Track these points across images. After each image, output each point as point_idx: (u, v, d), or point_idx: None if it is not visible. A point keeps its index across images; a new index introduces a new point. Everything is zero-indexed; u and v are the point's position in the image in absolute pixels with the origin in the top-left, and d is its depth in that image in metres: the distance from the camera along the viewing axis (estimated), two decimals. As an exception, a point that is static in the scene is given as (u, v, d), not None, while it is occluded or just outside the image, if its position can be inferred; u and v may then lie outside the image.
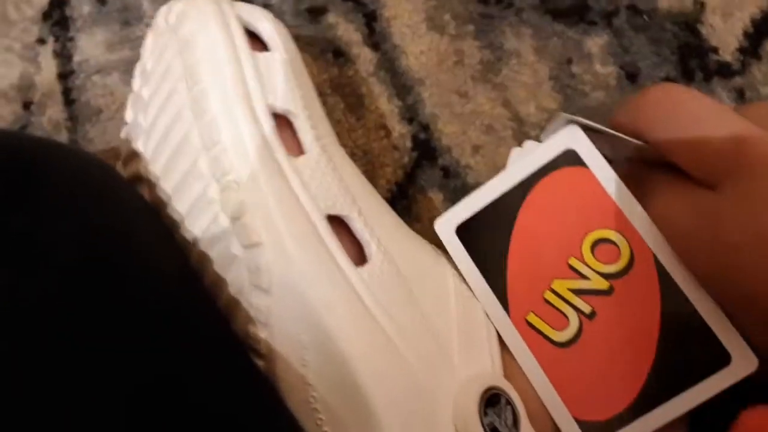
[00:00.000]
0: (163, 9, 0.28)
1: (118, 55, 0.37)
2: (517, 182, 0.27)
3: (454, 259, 0.27)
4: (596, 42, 0.37)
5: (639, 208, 0.24)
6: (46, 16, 0.38)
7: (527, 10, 0.37)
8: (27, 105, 0.37)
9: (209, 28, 0.25)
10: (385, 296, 0.25)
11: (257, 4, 0.38)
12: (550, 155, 0.26)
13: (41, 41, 0.37)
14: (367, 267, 0.24)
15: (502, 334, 0.27)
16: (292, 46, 0.29)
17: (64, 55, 0.37)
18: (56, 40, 0.37)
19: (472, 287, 0.27)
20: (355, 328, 0.24)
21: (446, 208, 0.28)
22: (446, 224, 0.28)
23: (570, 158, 0.26)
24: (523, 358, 0.26)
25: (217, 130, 0.23)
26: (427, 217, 0.35)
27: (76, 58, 0.37)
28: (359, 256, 0.25)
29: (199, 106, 0.24)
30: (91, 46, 0.37)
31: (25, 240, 0.20)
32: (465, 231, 0.27)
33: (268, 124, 0.24)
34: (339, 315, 0.24)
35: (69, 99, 0.36)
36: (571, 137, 0.26)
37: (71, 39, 0.37)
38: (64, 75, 0.37)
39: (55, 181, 0.23)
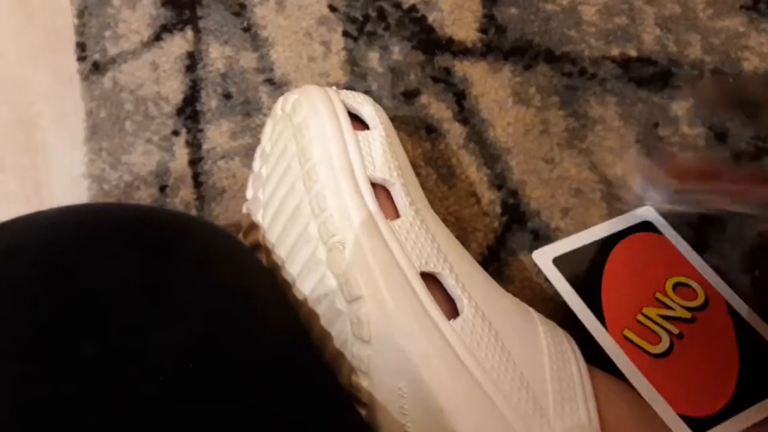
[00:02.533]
0: (281, 99, 0.33)
1: (239, 142, 0.42)
2: (606, 235, 0.32)
3: (553, 282, 0.31)
4: (682, 105, 0.37)
5: (704, 263, 0.31)
6: (180, 111, 0.44)
7: (610, 80, 0.39)
8: (163, 188, 0.42)
9: (319, 113, 0.29)
10: (479, 349, 0.26)
11: (360, 89, 0.42)
12: (632, 222, 0.33)
13: (176, 133, 0.43)
14: (459, 320, 0.26)
15: (603, 346, 0.30)
16: (389, 124, 0.32)
17: (194, 144, 0.43)
18: (188, 131, 0.43)
19: (571, 306, 0.31)
20: (450, 380, 0.25)
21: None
22: (544, 255, 0.32)
23: (648, 227, 0.33)
24: (624, 365, 0.29)
25: (324, 199, 0.27)
26: (518, 279, 0.36)
27: (205, 146, 0.42)
28: (452, 311, 0.27)
29: (309, 179, 0.27)
30: (217, 135, 0.43)
31: (166, 293, 0.24)
32: (559, 263, 0.32)
33: (368, 192, 0.27)
34: (434, 366, 0.25)
35: (198, 182, 0.42)
36: (648, 214, 0.33)
37: (201, 130, 0.43)
38: (194, 161, 0.42)
39: (189, 247, 0.27)
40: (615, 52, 0.39)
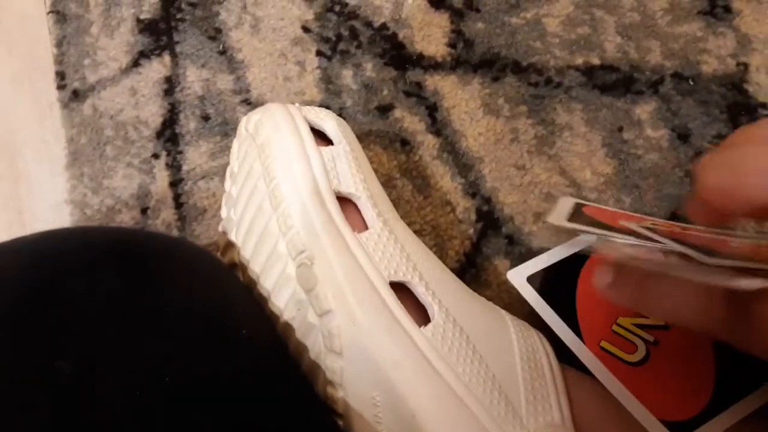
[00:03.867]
0: (244, 119, 0.33)
1: (218, 162, 0.43)
2: (578, 250, 0.33)
3: (528, 300, 0.32)
4: (645, 109, 0.39)
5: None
6: (159, 134, 0.45)
7: (575, 88, 0.40)
8: (144, 210, 0.43)
9: (281, 131, 0.29)
10: (450, 354, 0.27)
11: (335, 106, 0.43)
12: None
13: (156, 156, 0.44)
14: (430, 327, 0.27)
15: (581, 358, 0.30)
16: (354, 138, 0.33)
17: (174, 166, 0.43)
18: (168, 153, 0.44)
19: (548, 321, 0.31)
20: (422, 385, 0.26)
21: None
22: (518, 274, 0.33)
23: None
24: (602, 376, 0.30)
25: (290, 216, 0.28)
26: (495, 283, 0.37)
27: (185, 168, 0.43)
28: (424, 318, 0.28)
29: (275, 198, 0.28)
30: (196, 156, 0.44)
31: (146, 312, 0.24)
32: (533, 280, 0.32)
33: (334, 207, 0.28)
34: (406, 373, 0.26)
35: (178, 203, 0.42)
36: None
37: (180, 152, 0.44)
38: (175, 183, 0.43)
39: (168, 267, 0.27)
40: (579, 60, 0.40)
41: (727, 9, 0.39)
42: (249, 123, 0.31)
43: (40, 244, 0.28)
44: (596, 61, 0.40)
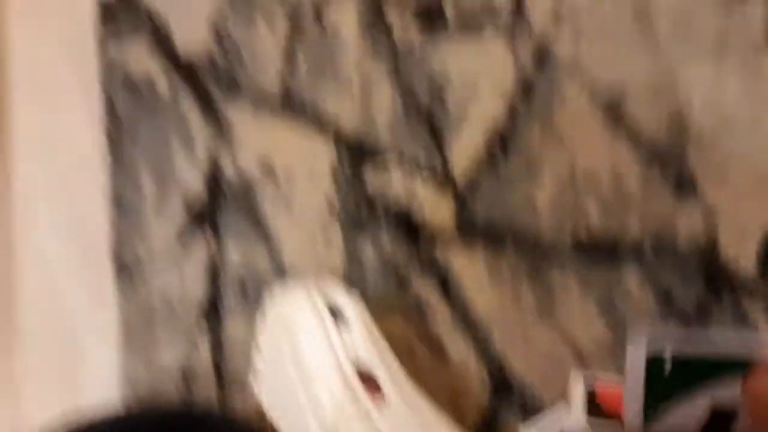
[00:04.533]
0: (269, 297, 0.39)
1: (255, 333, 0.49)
2: None
3: None
4: (631, 277, 0.44)
5: None
6: (202, 309, 0.51)
7: (567, 258, 0.46)
8: (187, 382, 0.48)
9: (303, 312, 0.35)
10: None
11: (358, 278, 0.49)
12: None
13: (199, 330, 0.50)
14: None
15: None
16: (367, 314, 0.39)
17: (216, 339, 0.49)
18: (210, 327, 0.49)
19: None
20: None
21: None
22: None
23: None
24: None
25: (317, 396, 0.32)
26: (510, 444, 0.40)
27: (225, 341, 0.48)
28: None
29: (302, 373, 0.33)
30: (236, 328, 0.49)
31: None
32: None
33: (355, 382, 0.33)
34: None
35: (219, 374, 0.47)
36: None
37: (221, 326, 0.49)
38: (216, 355, 0.48)
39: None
40: (567, 233, 0.46)
41: (693, 185, 0.46)
42: (272, 302, 0.37)
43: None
44: (583, 234, 0.46)
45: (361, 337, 0.35)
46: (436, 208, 0.50)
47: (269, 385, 0.37)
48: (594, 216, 0.46)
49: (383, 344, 0.37)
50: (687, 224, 0.45)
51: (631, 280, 0.43)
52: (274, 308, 0.38)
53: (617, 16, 0.51)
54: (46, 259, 0.58)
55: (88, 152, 0.61)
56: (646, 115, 0.48)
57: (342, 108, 0.56)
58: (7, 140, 0.64)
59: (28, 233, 0.60)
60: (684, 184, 0.46)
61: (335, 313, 0.38)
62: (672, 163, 0.47)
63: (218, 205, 0.55)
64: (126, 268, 0.54)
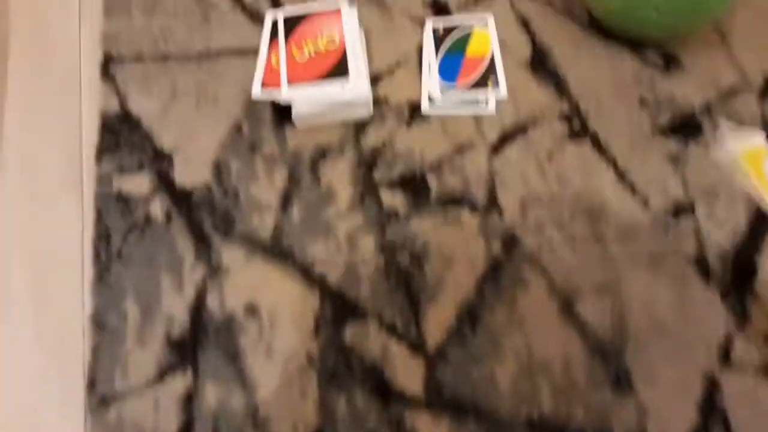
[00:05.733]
0: None
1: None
2: None
3: None
4: (576, 460, 0.50)
5: None
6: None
7: (523, 435, 0.52)
8: None
9: None
10: None
11: (329, 429, 0.52)
12: None
13: (171, 467, 0.51)
14: None
15: None
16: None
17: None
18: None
19: None
20: None
21: None
22: None
23: None
24: None
25: None
26: None
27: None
28: None
29: None
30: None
31: None
32: None
33: None
34: None
35: None
36: None
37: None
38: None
39: None
40: (523, 414, 0.53)
41: (629, 383, 0.54)
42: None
43: None
44: (535, 415, 0.52)
45: None
46: (408, 372, 0.55)
47: None
48: (546, 399, 0.53)
49: None
50: (623, 419, 0.52)
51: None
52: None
53: (573, 219, 0.61)
54: (19, 367, 0.58)
55: (71, 259, 0.62)
56: (595, 313, 0.57)
57: (328, 259, 0.61)
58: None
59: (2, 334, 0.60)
60: (621, 381, 0.54)
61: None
62: (613, 359, 0.55)
63: (200, 340, 0.58)
64: (100, 393, 0.55)
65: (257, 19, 0.74)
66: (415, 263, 0.60)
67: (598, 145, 0.65)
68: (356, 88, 0.65)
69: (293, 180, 0.65)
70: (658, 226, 0.61)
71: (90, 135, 0.69)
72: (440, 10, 0.75)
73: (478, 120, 0.67)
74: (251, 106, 0.69)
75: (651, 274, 0.59)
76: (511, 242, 0.61)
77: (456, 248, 0.61)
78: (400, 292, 0.59)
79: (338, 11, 0.70)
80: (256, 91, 0.66)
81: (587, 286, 0.58)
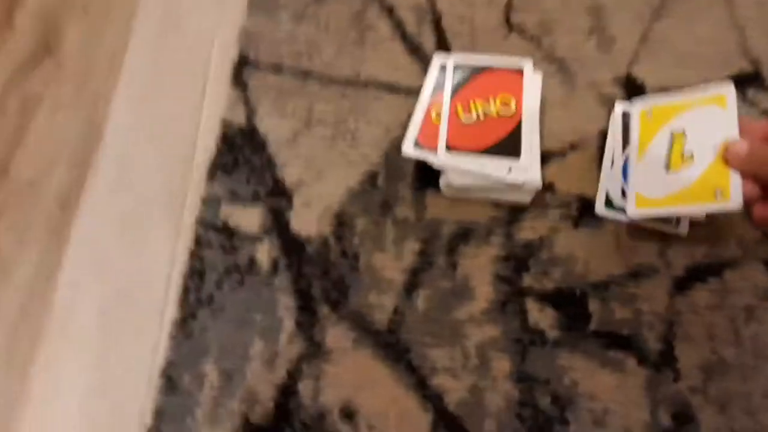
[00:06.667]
0: None
1: None
2: None
3: None
4: None
5: None
6: None
7: None
8: None
9: None
10: None
11: None
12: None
13: None
14: None
15: None
16: None
17: None
18: None
19: None
20: None
21: None
22: None
23: None
24: None
25: None
26: None
27: None
28: None
29: None
30: None
31: None
32: None
33: None
34: None
35: None
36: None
37: None
38: None
39: None
40: None
41: None
42: None
43: None
44: None
45: None
46: None
47: None
48: None
49: None
50: None
51: None
52: None
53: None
54: (67, 408, 0.49)
55: (153, 291, 0.53)
56: None
57: (452, 373, 0.50)
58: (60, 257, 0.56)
59: (52, 364, 0.51)
60: None
61: None
62: None
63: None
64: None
65: (417, 53, 0.63)
66: (557, 408, 0.49)
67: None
68: (527, 173, 0.53)
69: (425, 259, 0.54)
70: None
71: (206, 144, 0.60)
72: (634, 91, 0.62)
73: (664, 241, 0.54)
74: (393, 155, 0.58)
75: None
76: (684, 416, 0.48)
77: (611, 403, 0.49)
78: (530, 434, 0.48)
79: (520, 72, 0.58)
80: (408, 147, 0.55)
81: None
